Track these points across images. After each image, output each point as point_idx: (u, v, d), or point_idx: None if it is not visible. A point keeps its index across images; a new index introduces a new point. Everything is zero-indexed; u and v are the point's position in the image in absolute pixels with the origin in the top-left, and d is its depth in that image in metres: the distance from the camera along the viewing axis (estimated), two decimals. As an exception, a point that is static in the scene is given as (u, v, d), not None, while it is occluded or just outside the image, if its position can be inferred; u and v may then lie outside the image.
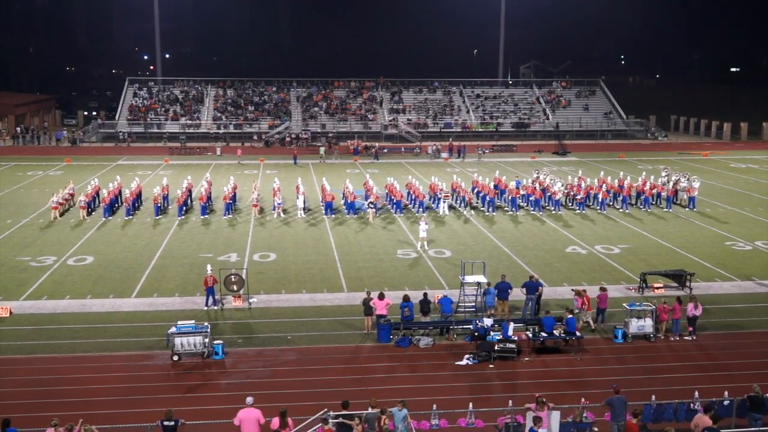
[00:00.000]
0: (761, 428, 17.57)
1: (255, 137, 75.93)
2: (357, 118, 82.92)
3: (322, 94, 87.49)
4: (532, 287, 25.57)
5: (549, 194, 43.28)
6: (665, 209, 42.94)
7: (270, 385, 20.61)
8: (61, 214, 40.43)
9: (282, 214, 41.02)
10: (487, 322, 23.14)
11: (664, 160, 63.80)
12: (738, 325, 25.36)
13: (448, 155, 67.07)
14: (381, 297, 24.10)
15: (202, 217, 40.39)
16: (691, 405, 18.32)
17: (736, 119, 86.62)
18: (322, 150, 66.51)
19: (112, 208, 41.17)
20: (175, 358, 21.98)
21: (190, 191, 43.87)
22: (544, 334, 22.95)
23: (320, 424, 16.36)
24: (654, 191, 44.11)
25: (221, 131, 78.60)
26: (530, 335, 23.09)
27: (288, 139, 75.18)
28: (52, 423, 16.17)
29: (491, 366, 21.93)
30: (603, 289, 25.27)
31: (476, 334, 22.80)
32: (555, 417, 16.96)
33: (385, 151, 70.74)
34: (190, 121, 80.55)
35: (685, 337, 23.98)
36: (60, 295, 27.56)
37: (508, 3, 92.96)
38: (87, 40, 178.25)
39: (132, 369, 21.54)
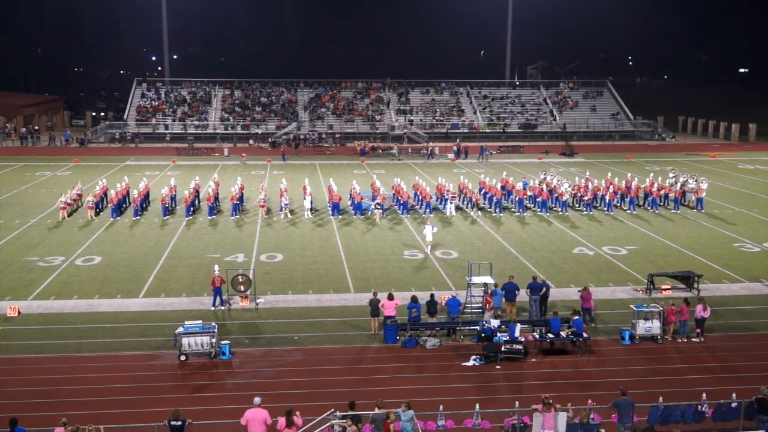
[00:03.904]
0: (769, 430, 17.50)
1: (251, 141, 75.88)
2: (364, 119, 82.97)
3: (329, 95, 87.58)
4: (535, 288, 25.53)
5: (556, 195, 43.20)
6: (673, 210, 42.82)
7: (276, 385, 20.63)
8: (69, 215, 40.58)
9: (289, 215, 41.07)
10: (494, 323, 23.13)
11: (672, 162, 63.61)
12: (746, 326, 25.27)
13: (455, 156, 67.06)
14: (390, 298, 24.08)
15: (209, 217, 40.48)
16: (699, 407, 18.26)
17: (744, 120, 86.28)
18: (395, 149, 67.90)
19: (119, 209, 41.30)
20: (183, 358, 22.04)
21: (197, 192, 44.00)
22: (551, 336, 22.92)
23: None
24: (661, 192, 43.98)
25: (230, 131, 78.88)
26: (537, 336, 23.07)
27: (298, 139, 75.04)
28: (60, 422, 16.23)
29: (498, 367, 21.91)
30: (585, 289, 25.19)
31: (483, 335, 22.80)
32: (562, 418, 16.93)
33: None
34: (198, 122, 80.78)
35: (693, 339, 23.89)
36: (68, 295, 27.66)
37: (516, 4, 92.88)
38: (95, 41, 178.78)
39: (139, 369, 21.60)
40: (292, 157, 66.66)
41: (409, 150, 70.86)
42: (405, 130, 78.37)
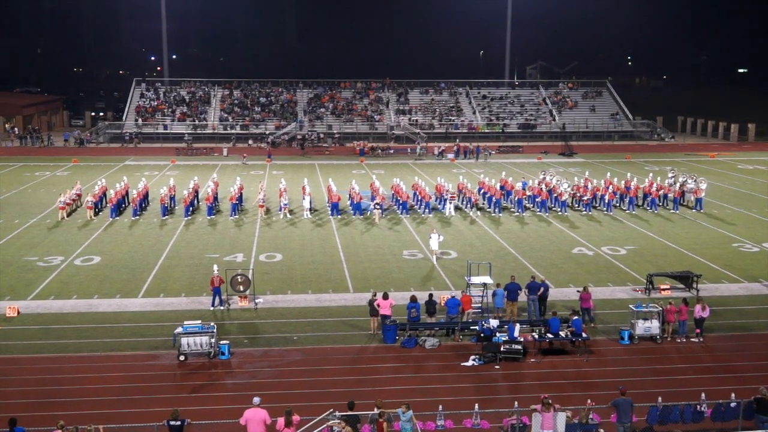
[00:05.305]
0: (768, 430, 17.52)
1: (251, 141, 75.87)
2: (363, 119, 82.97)
3: (328, 95, 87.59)
4: (534, 288, 25.55)
5: (555, 195, 43.21)
6: (672, 210, 42.83)
7: (276, 385, 20.64)
8: (69, 215, 40.57)
9: (288, 215, 41.07)
10: (493, 323, 23.14)
11: (671, 162, 63.64)
12: (745, 326, 25.28)
13: (455, 156, 67.09)
14: (385, 297, 24.07)
15: (208, 217, 40.47)
16: (698, 407, 18.28)
17: (744, 120, 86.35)
18: (419, 148, 68.61)
19: (119, 209, 41.29)
20: (182, 358, 22.03)
21: (196, 192, 43.99)
22: (550, 335, 22.93)
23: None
24: (661, 192, 44.01)
25: (232, 132, 78.87)
26: (536, 336, 23.08)
27: (303, 139, 74.91)
28: (58, 425, 16.20)
29: (497, 367, 21.92)
30: (585, 289, 25.20)
31: (482, 335, 22.80)
32: (561, 418, 16.94)
33: (392, 152, 70.82)
34: (197, 122, 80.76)
35: (692, 339, 23.91)
36: (67, 295, 27.66)
37: (515, 3, 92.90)
38: (94, 41, 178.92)
39: (138, 369, 21.60)
40: (295, 157, 66.66)
41: (408, 150, 70.96)
42: (417, 130, 78.40)
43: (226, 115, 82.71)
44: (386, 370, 21.85)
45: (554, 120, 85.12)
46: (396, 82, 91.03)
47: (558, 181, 45.68)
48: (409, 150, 71.05)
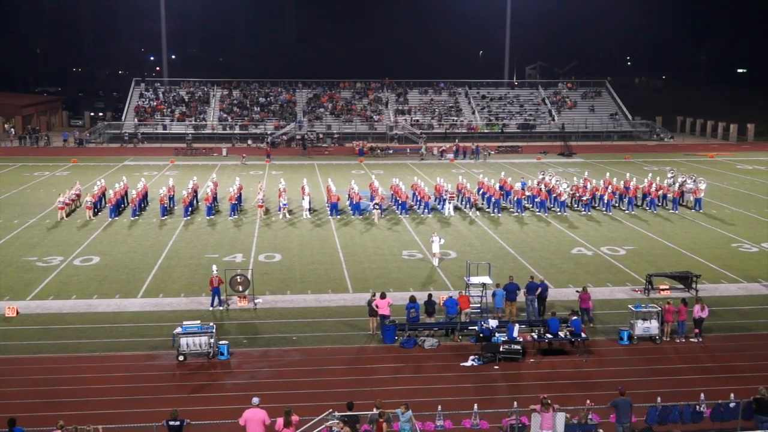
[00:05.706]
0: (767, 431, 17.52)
1: (250, 141, 75.82)
2: (362, 119, 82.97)
3: (327, 95, 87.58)
4: (532, 288, 25.56)
5: (554, 195, 43.21)
6: (671, 211, 42.84)
7: (275, 385, 20.64)
8: (68, 215, 40.55)
9: (287, 215, 41.07)
10: (492, 323, 23.15)
11: (670, 162, 63.65)
12: (744, 326, 25.29)
13: (455, 156, 67.11)
14: (383, 297, 24.07)
15: (207, 217, 40.47)
16: (697, 407, 18.29)
17: (743, 120, 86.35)
18: (423, 148, 69.03)
19: (118, 209, 41.28)
20: (181, 358, 22.03)
21: (195, 192, 43.97)
22: (549, 336, 22.94)
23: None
24: (660, 193, 44.02)
25: (234, 132, 78.85)
26: (535, 336, 23.09)
27: (304, 139, 74.90)
28: (57, 425, 16.20)
29: (496, 367, 21.92)
30: (584, 289, 25.20)
31: (481, 335, 22.81)
32: (560, 418, 16.95)
33: (391, 152, 70.81)
34: (196, 122, 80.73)
35: (691, 339, 23.92)
36: (66, 295, 27.65)
37: (514, 4, 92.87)
38: (93, 41, 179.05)
39: (137, 369, 21.60)
40: (294, 158, 66.68)
41: (408, 150, 70.94)
42: (418, 131, 78.39)
43: (225, 115, 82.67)
44: (385, 370, 21.86)
45: (553, 120, 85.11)
46: (395, 82, 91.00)
47: (557, 181, 45.67)
48: (408, 150, 71.02)
